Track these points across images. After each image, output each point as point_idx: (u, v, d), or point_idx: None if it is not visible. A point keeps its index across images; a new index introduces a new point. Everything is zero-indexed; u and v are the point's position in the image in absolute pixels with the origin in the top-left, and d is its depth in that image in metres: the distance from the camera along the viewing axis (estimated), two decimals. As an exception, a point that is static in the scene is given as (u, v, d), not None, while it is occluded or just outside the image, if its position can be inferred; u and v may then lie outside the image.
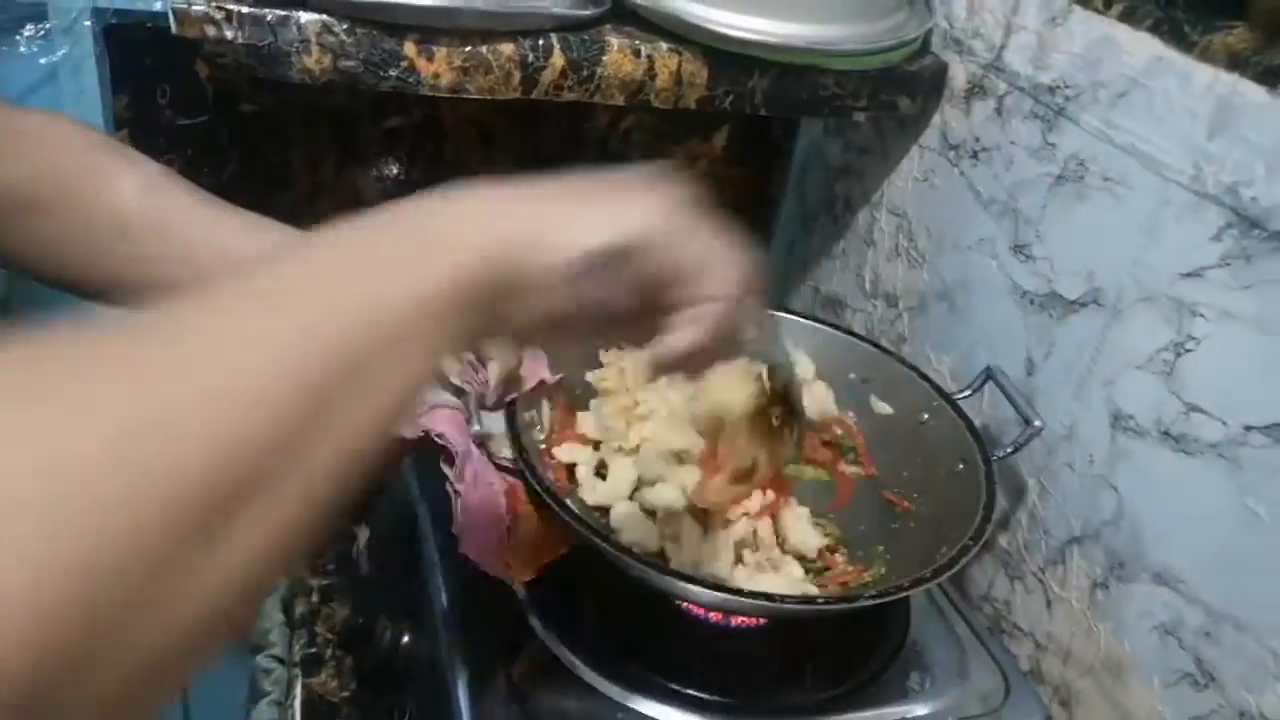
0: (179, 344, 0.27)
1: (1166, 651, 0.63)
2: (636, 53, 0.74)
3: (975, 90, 0.79)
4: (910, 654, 0.67)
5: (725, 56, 0.75)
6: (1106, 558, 0.67)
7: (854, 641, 0.68)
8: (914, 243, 0.88)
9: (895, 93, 0.81)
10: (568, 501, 0.62)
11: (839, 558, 0.70)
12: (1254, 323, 0.57)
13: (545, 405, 0.71)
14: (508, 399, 0.67)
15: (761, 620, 0.65)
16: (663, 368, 0.43)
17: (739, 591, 0.58)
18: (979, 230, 0.79)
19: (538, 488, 0.59)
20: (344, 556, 0.77)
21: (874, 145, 0.93)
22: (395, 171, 0.99)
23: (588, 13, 0.75)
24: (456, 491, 0.64)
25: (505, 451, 0.66)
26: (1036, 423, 0.69)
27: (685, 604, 0.63)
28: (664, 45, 0.75)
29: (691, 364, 0.43)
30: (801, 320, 0.80)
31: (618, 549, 0.58)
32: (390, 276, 0.32)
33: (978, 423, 0.73)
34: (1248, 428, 0.57)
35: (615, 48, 0.74)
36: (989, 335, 0.79)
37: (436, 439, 0.66)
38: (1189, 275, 0.60)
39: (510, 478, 0.66)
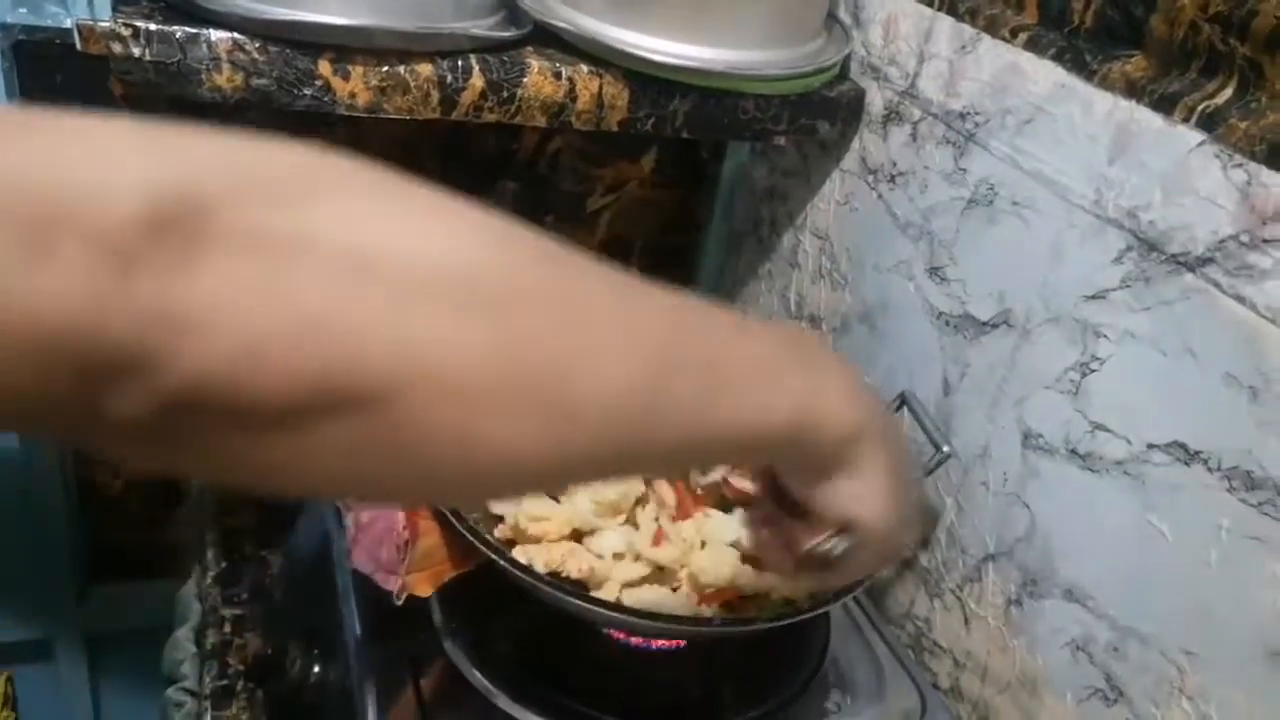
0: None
1: (1078, 667, 0.64)
2: (557, 75, 0.74)
3: (892, 116, 0.80)
4: (829, 673, 0.67)
5: (646, 80, 0.76)
6: (1020, 575, 0.68)
7: (773, 662, 0.68)
8: (836, 265, 0.89)
9: (815, 117, 0.82)
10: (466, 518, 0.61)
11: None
12: (1153, 343, 0.58)
13: None
14: None
15: (679, 642, 0.65)
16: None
17: (650, 614, 0.57)
18: (897, 253, 0.80)
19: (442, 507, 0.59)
20: (257, 585, 0.75)
21: (798, 169, 0.95)
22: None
23: (508, 34, 0.75)
24: (347, 504, 0.63)
25: None
26: (945, 448, 0.70)
27: (606, 629, 0.63)
28: (585, 68, 0.75)
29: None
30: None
31: (520, 569, 0.57)
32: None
33: None
34: (1150, 446, 0.59)
35: (536, 69, 0.74)
36: (908, 356, 0.80)
37: None
38: (1092, 297, 0.62)
39: None
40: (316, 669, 0.63)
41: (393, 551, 0.62)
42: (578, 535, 0.65)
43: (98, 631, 1.14)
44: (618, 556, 0.64)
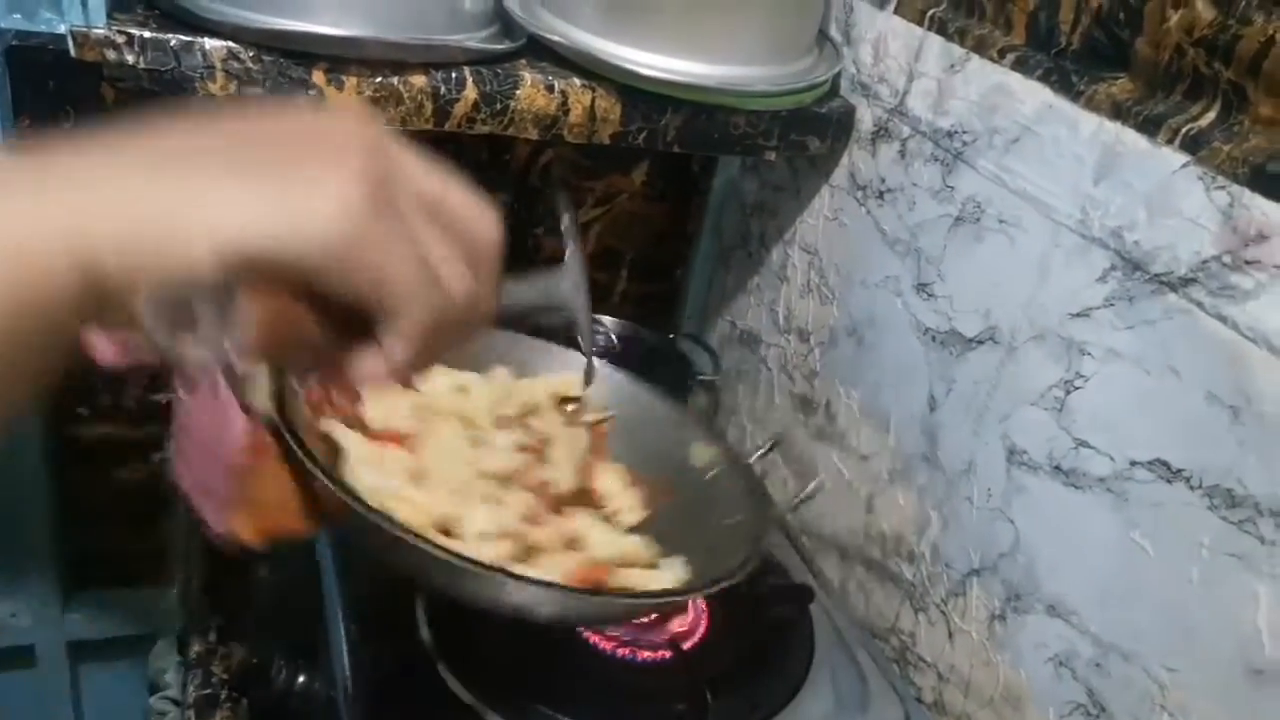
0: None
1: (1060, 682, 0.64)
2: (550, 88, 0.75)
3: (881, 133, 0.81)
4: (813, 686, 0.67)
5: (639, 94, 0.76)
6: (1004, 590, 0.69)
7: (758, 673, 0.68)
8: (824, 279, 0.90)
9: (805, 133, 0.83)
10: (331, 470, 0.54)
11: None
12: (1136, 361, 0.59)
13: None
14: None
15: (666, 654, 0.65)
16: (361, 383, 0.35)
17: (515, 575, 0.51)
18: (885, 268, 0.81)
19: (301, 455, 0.51)
20: (243, 593, 0.75)
21: (787, 184, 0.95)
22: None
23: (502, 47, 0.75)
24: (182, 403, 0.53)
25: (259, 403, 0.54)
26: (819, 478, 0.68)
27: (586, 637, 0.63)
28: (578, 81, 0.76)
29: (400, 376, 0.34)
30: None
31: (396, 527, 0.50)
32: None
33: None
34: (1133, 463, 0.59)
35: (529, 82, 0.74)
36: (895, 371, 0.80)
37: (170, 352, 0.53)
38: (1077, 315, 0.63)
39: (254, 425, 0.54)
40: (301, 679, 0.62)
41: (220, 478, 0.53)
42: (444, 529, 0.57)
43: (81, 639, 1.13)
44: (485, 537, 0.57)
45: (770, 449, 0.74)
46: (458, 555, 0.50)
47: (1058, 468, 0.64)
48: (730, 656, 0.68)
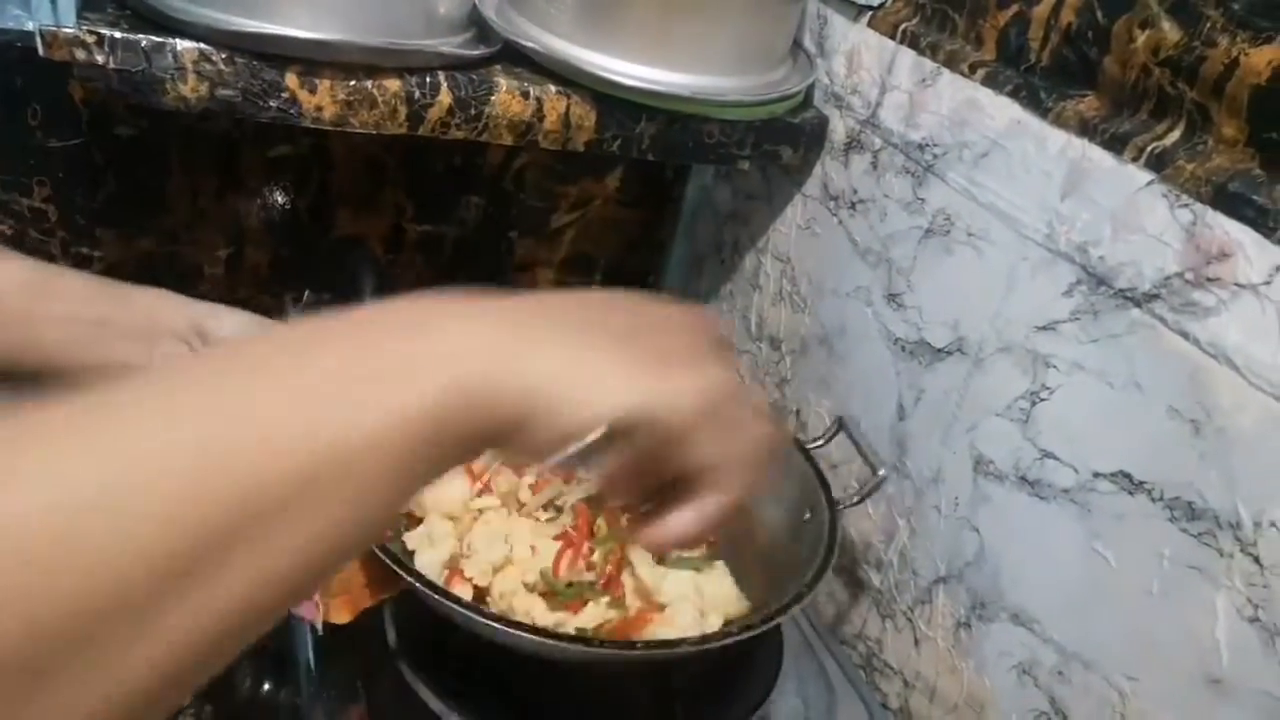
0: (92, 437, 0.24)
1: (1024, 690, 0.65)
2: (525, 94, 0.75)
3: (853, 144, 0.82)
4: (781, 692, 0.68)
5: (613, 102, 0.77)
6: (969, 598, 0.69)
7: (727, 681, 0.68)
8: (796, 288, 0.90)
9: (778, 143, 0.84)
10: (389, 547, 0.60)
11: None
12: (1100, 375, 0.60)
13: None
14: None
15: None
16: (654, 547, 0.41)
17: (559, 636, 0.58)
18: (856, 278, 0.82)
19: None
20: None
21: (761, 192, 0.96)
22: (280, 201, 0.97)
23: (477, 53, 0.75)
24: None
25: None
26: (881, 471, 0.71)
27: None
28: (552, 88, 0.76)
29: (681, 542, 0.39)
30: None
31: (448, 598, 0.57)
32: (355, 402, 0.27)
33: (829, 473, 0.74)
34: (1096, 474, 0.60)
35: (504, 88, 0.74)
36: (864, 380, 0.81)
37: None
38: (1043, 328, 0.64)
39: None
40: (266, 686, 0.62)
41: None
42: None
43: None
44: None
45: (838, 431, 0.75)
46: (507, 621, 0.56)
47: (1023, 478, 0.65)
48: (699, 663, 0.68)
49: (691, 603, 0.65)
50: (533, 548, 0.67)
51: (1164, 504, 0.56)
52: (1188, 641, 0.54)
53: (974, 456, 0.69)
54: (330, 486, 0.26)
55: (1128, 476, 0.58)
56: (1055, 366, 0.63)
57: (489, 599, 0.64)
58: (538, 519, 0.71)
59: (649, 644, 0.59)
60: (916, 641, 0.74)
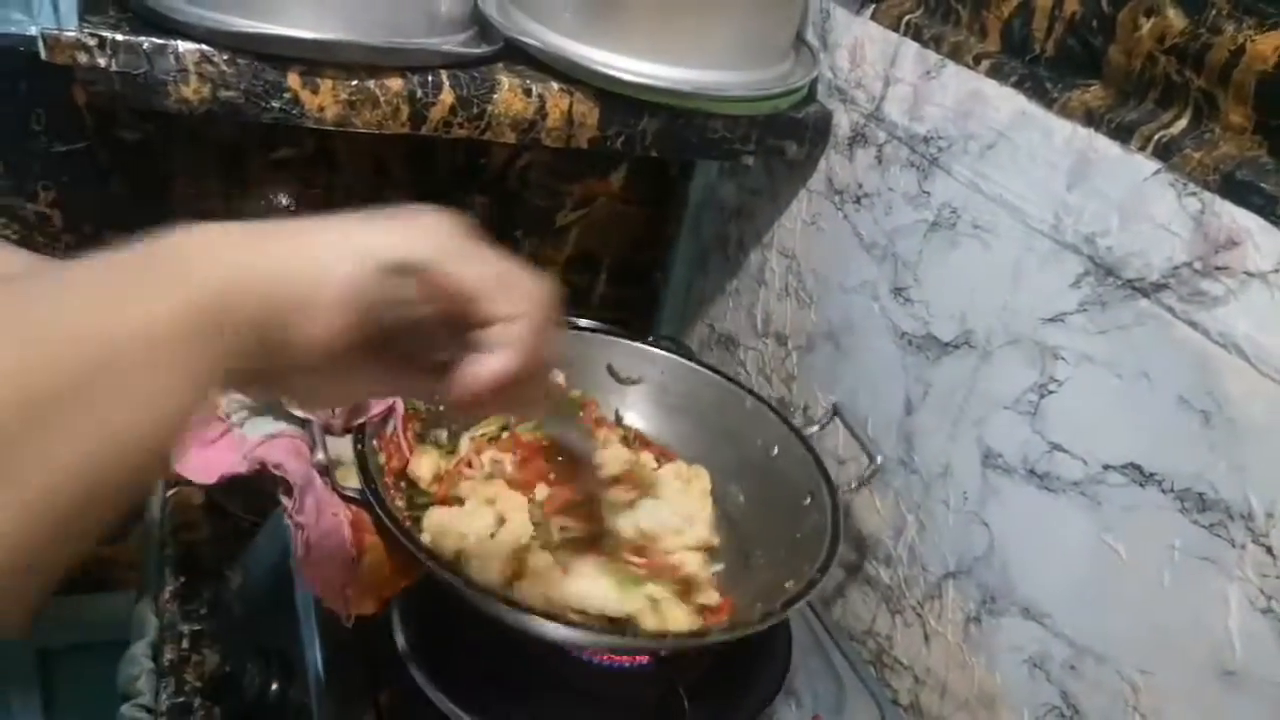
0: None
1: (1035, 684, 0.64)
2: (528, 92, 0.74)
3: (858, 138, 0.81)
4: (791, 690, 0.67)
5: (616, 98, 0.76)
6: (979, 592, 0.69)
7: (737, 679, 0.68)
8: (802, 283, 0.90)
9: (782, 138, 0.83)
10: (412, 532, 0.60)
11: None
12: (1108, 366, 0.59)
13: (393, 427, 0.69)
14: (355, 423, 0.65)
15: (643, 659, 0.65)
16: (473, 395, 0.41)
17: (591, 628, 0.57)
18: (862, 273, 0.81)
19: (384, 519, 0.58)
20: (216, 600, 0.74)
21: (765, 188, 0.96)
22: (285, 203, 0.97)
23: (479, 51, 0.75)
24: (298, 524, 0.62)
25: (351, 481, 0.63)
26: (879, 458, 0.71)
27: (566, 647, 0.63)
28: (555, 85, 0.75)
29: (503, 394, 0.42)
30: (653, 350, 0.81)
31: (468, 584, 0.56)
32: (119, 308, 0.33)
33: (828, 459, 0.74)
34: (1106, 466, 0.60)
35: (506, 86, 0.74)
36: (872, 375, 0.81)
37: (274, 469, 0.64)
38: (1051, 320, 0.63)
39: (355, 508, 0.64)
40: (275, 687, 0.62)
41: (340, 570, 0.61)
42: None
43: (50, 645, 1.12)
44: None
45: (832, 417, 0.76)
46: (529, 610, 0.56)
47: (1032, 471, 0.65)
48: (707, 661, 0.68)
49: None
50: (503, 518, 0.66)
51: (1174, 495, 0.55)
52: (1200, 633, 0.54)
53: (982, 450, 0.69)
54: (115, 372, 0.32)
55: (1138, 468, 0.58)
56: (1063, 358, 0.62)
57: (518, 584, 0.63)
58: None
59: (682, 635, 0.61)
60: (926, 637, 0.74)
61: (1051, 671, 0.63)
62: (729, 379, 0.79)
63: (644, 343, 0.80)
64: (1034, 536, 0.65)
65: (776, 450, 0.74)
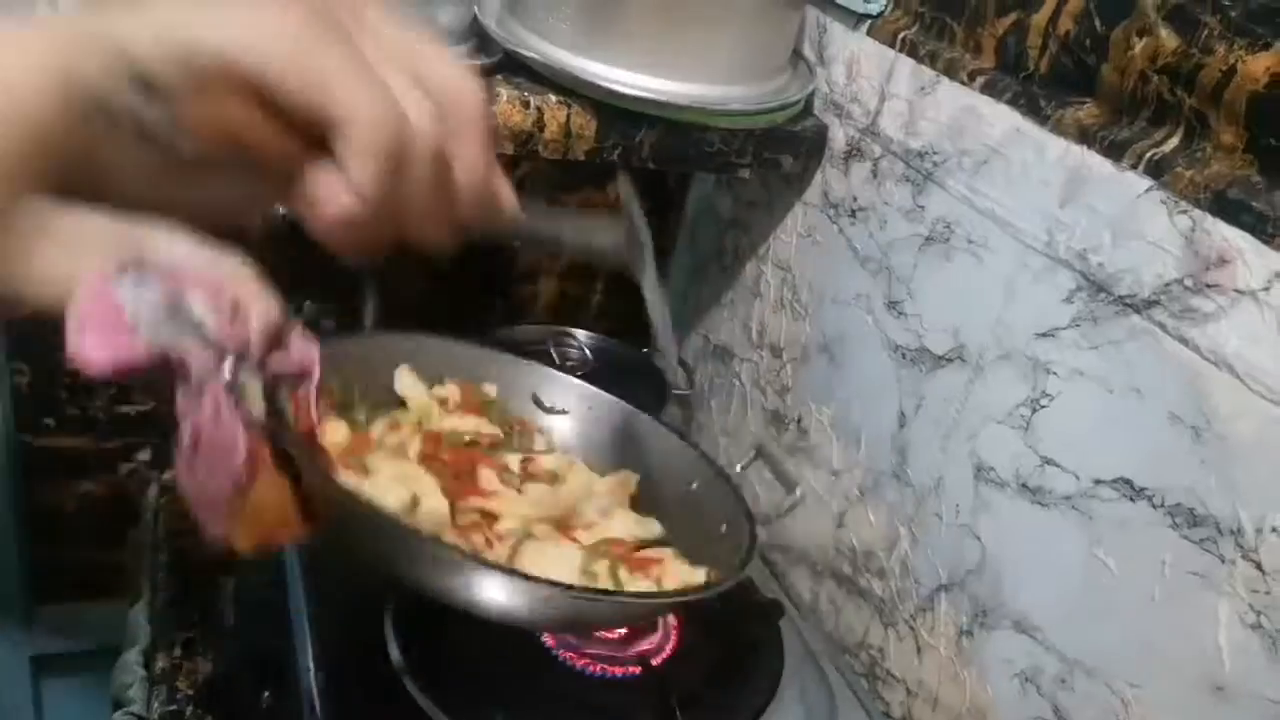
0: None
1: (1026, 698, 0.65)
2: (525, 104, 0.75)
3: (853, 152, 0.82)
4: (782, 702, 0.68)
5: (614, 111, 0.77)
6: (971, 606, 0.69)
7: (727, 690, 0.68)
8: (797, 296, 0.90)
9: (778, 151, 0.84)
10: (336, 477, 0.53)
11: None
12: (1100, 381, 0.60)
13: (305, 390, 0.64)
14: (271, 371, 0.59)
15: (635, 670, 0.65)
16: (323, 231, 0.33)
17: (529, 577, 0.51)
18: (856, 286, 0.82)
19: (295, 453, 0.48)
20: (209, 608, 0.74)
21: (761, 200, 0.96)
22: (280, 212, 0.97)
23: (477, 63, 0.76)
24: (188, 417, 0.56)
25: (256, 411, 0.57)
26: (799, 491, 0.71)
27: (557, 653, 0.63)
28: (553, 97, 0.76)
29: (383, 220, 0.33)
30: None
31: (395, 524, 0.50)
32: None
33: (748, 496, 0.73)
34: (1097, 481, 0.60)
35: (504, 98, 0.74)
36: (865, 388, 0.81)
37: (172, 355, 0.55)
38: (1043, 335, 0.64)
39: (251, 435, 0.57)
40: (267, 695, 0.62)
41: (224, 489, 0.55)
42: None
43: (44, 652, 1.11)
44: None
45: (754, 459, 0.75)
46: (468, 554, 0.50)
47: (1024, 485, 0.65)
48: (700, 673, 0.68)
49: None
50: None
51: (1165, 510, 0.56)
52: (1190, 648, 0.54)
53: (975, 464, 0.69)
54: None
55: (1129, 483, 0.58)
56: (1055, 373, 0.63)
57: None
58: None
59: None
60: (919, 650, 0.74)
61: (1042, 685, 0.63)
62: (655, 418, 0.74)
63: (574, 375, 0.75)
64: (1026, 550, 0.65)
65: (696, 484, 0.69)
